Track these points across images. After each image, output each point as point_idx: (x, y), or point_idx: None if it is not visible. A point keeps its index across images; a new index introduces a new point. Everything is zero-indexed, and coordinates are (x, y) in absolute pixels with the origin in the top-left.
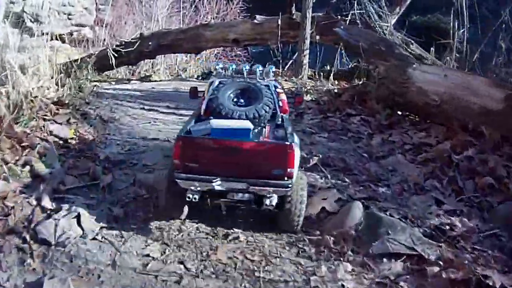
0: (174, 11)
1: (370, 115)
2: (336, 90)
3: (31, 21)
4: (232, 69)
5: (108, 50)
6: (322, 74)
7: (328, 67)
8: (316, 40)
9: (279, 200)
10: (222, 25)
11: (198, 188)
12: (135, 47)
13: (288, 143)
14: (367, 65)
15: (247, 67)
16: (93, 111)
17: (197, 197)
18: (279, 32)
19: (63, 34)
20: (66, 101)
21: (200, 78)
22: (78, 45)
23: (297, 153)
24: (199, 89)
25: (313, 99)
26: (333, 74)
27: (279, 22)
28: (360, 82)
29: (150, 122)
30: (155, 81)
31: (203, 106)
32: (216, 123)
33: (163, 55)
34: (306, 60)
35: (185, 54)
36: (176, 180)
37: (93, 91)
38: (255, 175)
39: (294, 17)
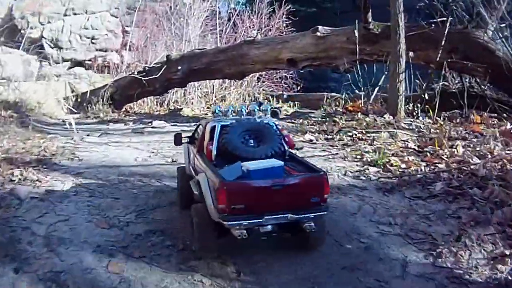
0: (208, 29)
1: None
2: None
3: (50, 47)
4: (231, 111)
5: (127, 77)
6: (420, 104)
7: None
8: (409, 59)
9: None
10: (273, 41)
11: (245, 227)
12: (159, 73)
13: (322, 172)
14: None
15: (245, 108)
16: None
17: (246, 234)
18: (355, 47)
19: (87, 60)
20: None
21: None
22: (103, 72)
23: None
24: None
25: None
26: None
27: (356, 34)
28: None
29: None
30: (178, 115)
31: (214, 151)
32: (251, 165)
33: (196, 82)
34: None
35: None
36: (224, 222)
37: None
38: (296, 206)
39: (371, 26)
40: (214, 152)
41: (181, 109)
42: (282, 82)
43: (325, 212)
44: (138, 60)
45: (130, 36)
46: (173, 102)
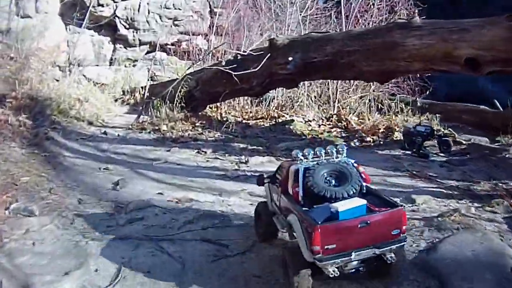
0: (315, 12)
1: None
2: None
3: (125, 27)
4: (312, 154)
5: (211, 68)
6: None
7: None
8: None
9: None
10: (442, 27)
11: (338, 265)
12: (259, 65)
13: (401, 207)
14: None
15: (323, 150)
16: None
17: (337, 272)
18: None
19: (168, 44)
20: None
21: None
22: (188, 58)
23: None
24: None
25: None
26: None
27: None
28: None
29: None
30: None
31: (301, 193)
32: (339, 206)
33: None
34: None
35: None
36: (318, 262)
37: None
38: (380, 240)
39: None
40: (301, 194)
41: (291, 120)
42: (404, 82)
43: (405, 243)
44: (229, 46)
45: (220, 19)
46: (275, 107)
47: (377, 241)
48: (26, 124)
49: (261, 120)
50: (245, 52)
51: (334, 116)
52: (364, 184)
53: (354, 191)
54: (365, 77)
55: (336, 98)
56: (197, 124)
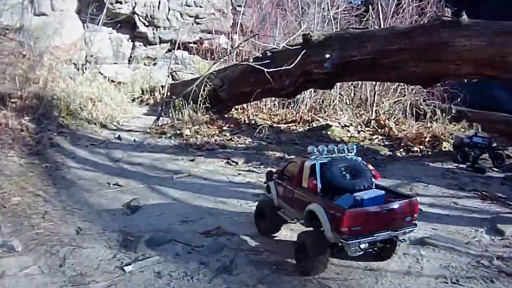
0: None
1: None
2: None
3: (144, 25)
4: (326, 150)
5: (238, 65)
6: None
7: None
8: None
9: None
10: (490, 28)
11: (361, 244)
12: (295, 62)
13: (414, 198)
14: None
15: (335, 148)
16: None
17: (359, 250)
18: None
19: (190, 43)
20: None
21: None
22: (206, 58)
23: None
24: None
25: None
26: None
27: None
28: None
29: None
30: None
31: (319, 185)
32: (364, 195)
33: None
34: None
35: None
36: (345, 242)
37: None
38: (397, 224)
39: None
40: (319, 186)
41: (328, 126)
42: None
43: (415, 227)
44: (255, 47)
45: (244, 17)
46: (308, 110)
47: (394, 225)
48: (28, 128)
49: (293, 124)
50: (277, 47)
51: (372, 121)
52: (374, 180)
53: (369, 184)
54: (409, 79)
55: (374, 101)
56: (224, 128)
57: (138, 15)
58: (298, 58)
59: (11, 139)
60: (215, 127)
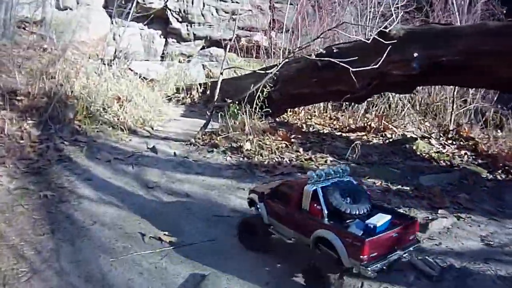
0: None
1: None
2: None
3: (178, 21)
4: (325, 174)
5: (298, 61)
6: None
7: None
8: None
9: None
10: None
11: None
12: (378, 60)
13: (416, 218)
14: None
15: (332, 171)
16: None
17: (376, 272)
18: None
19: (226, 40)
20: None
21: None
22: (248, 55)
23: None
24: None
25: None
26: None
27: None
28: None
29: None
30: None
31: (325, 211)
32: (376, 222)
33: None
34: None
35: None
36: (364, 268)
37: None
38: (404, 243)
39: None
40: (325, 212)
41: (413, 139)
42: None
43: (418, 244)
44: (295, 45)
45: (282, 14)
46: (376, 116)
47: (401, 245)
48: (30, 135)
49: (362, 134)
50: (350, 41)
51: (451, 131)
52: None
53: (371, 207)
54: (502, 86)
55: (453, 108)
56: (292, 140)
57: (170, 10)
58: (384, 56)
59: (5, 151)
60: (280, 138)
